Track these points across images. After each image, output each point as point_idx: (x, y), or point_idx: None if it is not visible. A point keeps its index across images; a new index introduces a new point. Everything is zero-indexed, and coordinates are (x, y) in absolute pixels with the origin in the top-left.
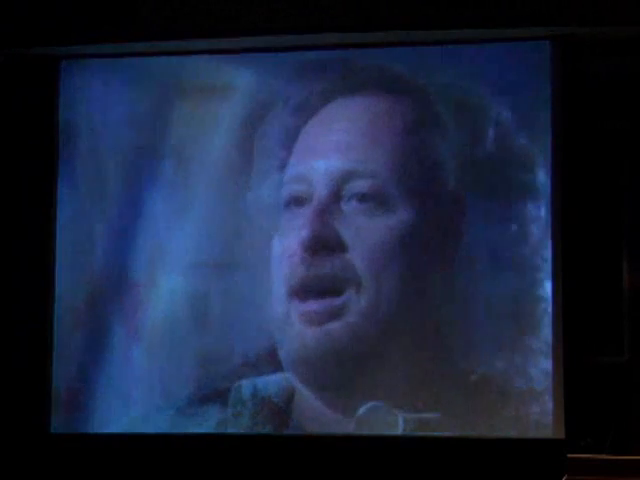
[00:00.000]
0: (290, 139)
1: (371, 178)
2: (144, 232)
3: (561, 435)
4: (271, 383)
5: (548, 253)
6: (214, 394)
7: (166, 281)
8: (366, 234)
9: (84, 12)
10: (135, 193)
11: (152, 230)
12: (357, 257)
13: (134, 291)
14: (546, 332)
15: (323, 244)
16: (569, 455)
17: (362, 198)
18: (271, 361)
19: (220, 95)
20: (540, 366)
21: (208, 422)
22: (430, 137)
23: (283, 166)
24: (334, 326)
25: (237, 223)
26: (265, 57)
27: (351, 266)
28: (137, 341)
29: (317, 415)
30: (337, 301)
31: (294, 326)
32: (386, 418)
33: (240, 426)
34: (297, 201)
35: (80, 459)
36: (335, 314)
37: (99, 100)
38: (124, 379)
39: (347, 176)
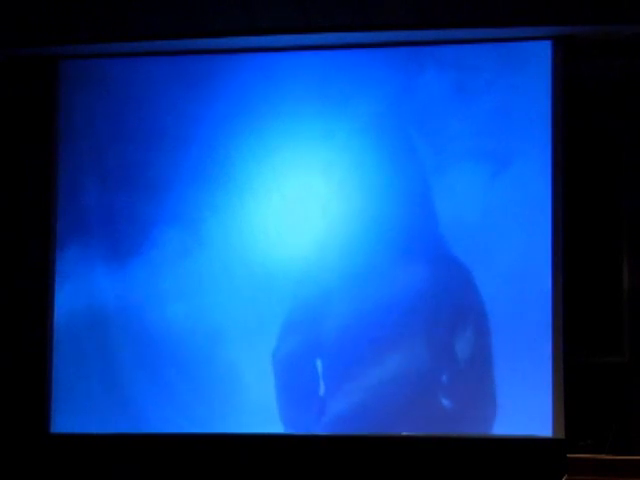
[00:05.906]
0: None
1: None
2: (144, 232)
3: (561, 435)
4: None
5: (548, 253)
6: (214, 394)
7: (165, 282)
8: None
9: (83, 12)
10: (135, 192)
11: (152, 230)
12: None
13: (134, 290)
14: (546, 332)
15: None
16: (569, 455)
17: None
18: None
19: (220, 94)
20: (540, 366)
21: (209, 423)
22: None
23: None
24: None
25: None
26: (266, 57)
27: None
28: (137, 342)
29: None
30: None
31: None
32: (383, 417)
33: None
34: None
35: (80, 459)
36: None
37: (99, 100)
38: (124, 379)
39: None
